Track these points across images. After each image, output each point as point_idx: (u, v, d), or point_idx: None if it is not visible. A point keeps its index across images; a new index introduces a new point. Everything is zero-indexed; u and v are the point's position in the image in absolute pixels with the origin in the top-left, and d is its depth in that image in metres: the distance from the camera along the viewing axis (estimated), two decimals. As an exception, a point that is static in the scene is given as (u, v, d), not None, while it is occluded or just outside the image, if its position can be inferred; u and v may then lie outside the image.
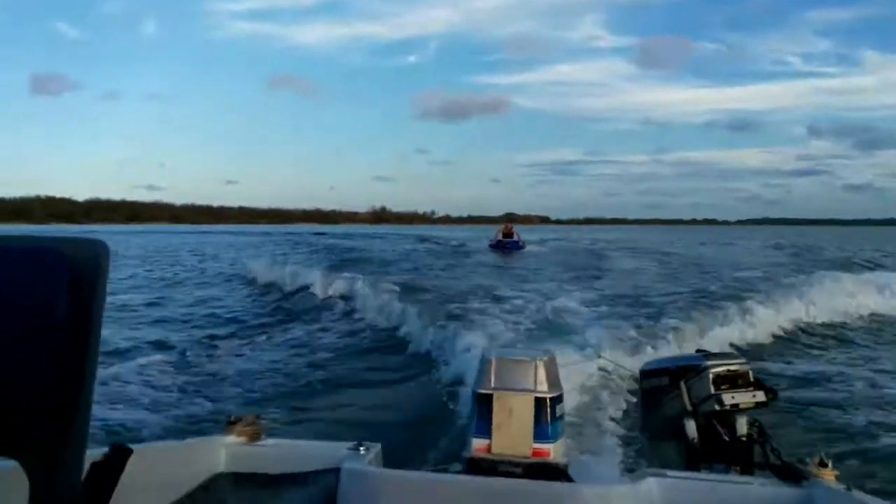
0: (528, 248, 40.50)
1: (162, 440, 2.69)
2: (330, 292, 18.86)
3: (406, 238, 58.41)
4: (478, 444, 3.15)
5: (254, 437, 2.92)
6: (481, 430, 3.15)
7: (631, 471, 3.89)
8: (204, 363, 9.87)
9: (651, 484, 2.84)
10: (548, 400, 3.17)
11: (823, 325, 14.32)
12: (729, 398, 3.81)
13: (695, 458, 3.80)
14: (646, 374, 4.42)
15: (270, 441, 2.96)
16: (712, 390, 3.85)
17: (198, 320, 15.34)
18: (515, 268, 28.04)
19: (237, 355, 10.57)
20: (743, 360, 3.95)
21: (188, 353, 10.53)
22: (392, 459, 4.29)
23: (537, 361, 3.25)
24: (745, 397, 3.83)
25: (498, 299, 15.31)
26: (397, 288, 16.46)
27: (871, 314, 16.03)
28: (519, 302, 14.72)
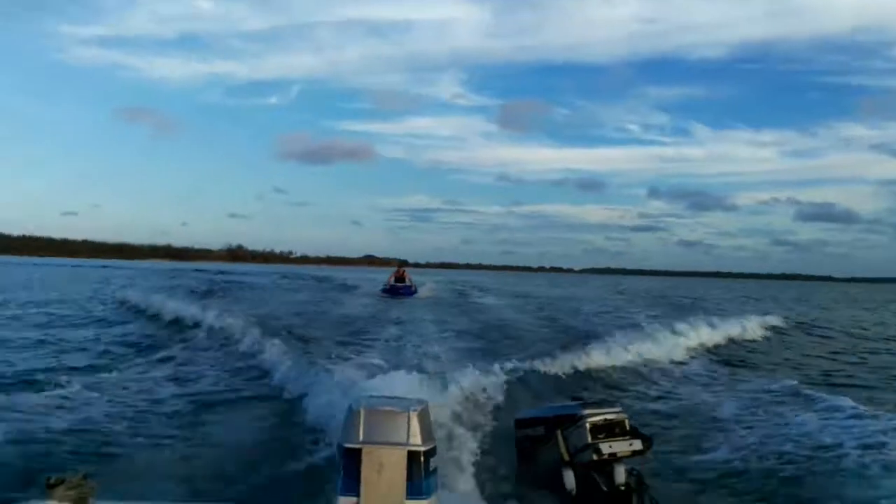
0: (421, 291, 37.00)
1: None
2: (193, 326, 17.46)
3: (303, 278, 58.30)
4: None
5: (79, 502, 2.50)
6: (348, 488, 2.86)
7: None
8: (24, 406, 8.06)
9: None
10: (422, 454, 2.93)
11: (673, 363, 15.15)
12: (607, 447, 3.76)
13: None
14: (521, 422, 4.31)
15: None
16: (589, 440, 3.78)
17: (32, 352, 13.24)
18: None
19: (63, 398, 8.70)
20: (619, 409, 3.94)
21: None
22: None
23: (410, 412, 2.99)
24: (622, 446, 3.79)
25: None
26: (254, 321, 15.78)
27: (710, 347, 17.47)
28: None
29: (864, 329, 27.00)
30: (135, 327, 18.98)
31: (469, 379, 8.20)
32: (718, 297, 47.88)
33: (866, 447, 7.16)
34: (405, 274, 37.87)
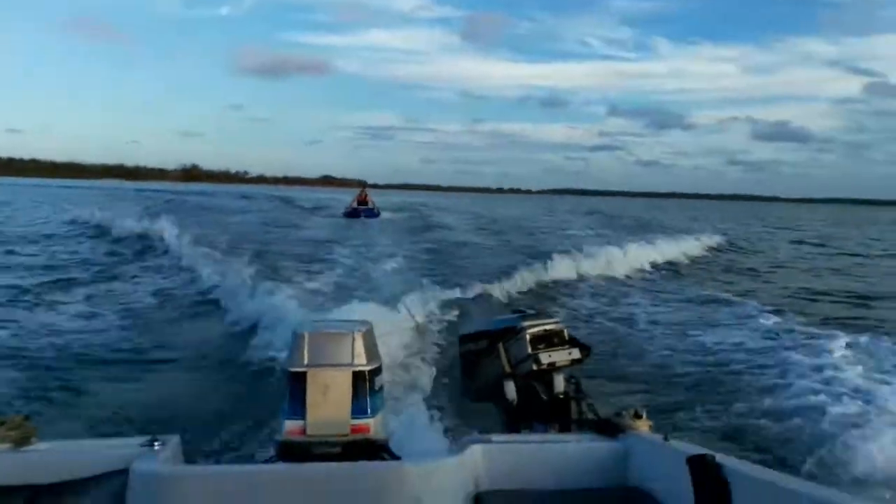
0: (383, 215, 36.71)
1: None
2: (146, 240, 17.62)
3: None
4: (291, 427, 2.87)
5: (20, 442, 2.43)
6: (294, 411, 2.87)
7: (455, 440, 3.83)
8: None
9: (475, 452, 2.73)
10: (366, 373, 2.94)
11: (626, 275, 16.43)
12: (546, 357, 3.84)
13: (515, 420, 3.79)
14: (464, 337, 4.37)
15: (42, 445, 2.48)
16: (529, 350, 3.84)
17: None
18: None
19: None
20: (557, 319, 4.01)
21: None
22: (194, 452, 3.84)
23: (354, 333, 2.99)
24: (561, 356, 3.88)
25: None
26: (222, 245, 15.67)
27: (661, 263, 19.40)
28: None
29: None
30: (83, 248, 18.63)
31: (419, 302, 8.28)
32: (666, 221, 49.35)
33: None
34: (367, 197, 37.64)
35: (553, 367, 3.80)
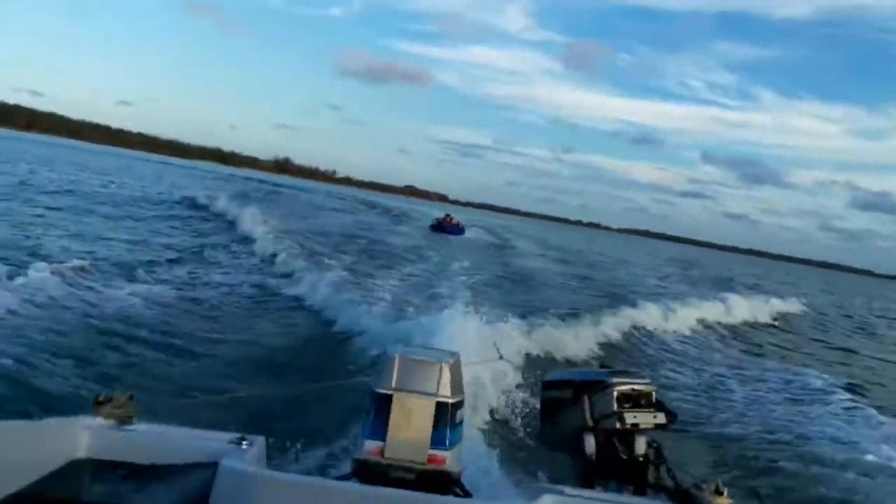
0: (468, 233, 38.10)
1: (11, 419, 2.29)
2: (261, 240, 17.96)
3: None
4: (370, 447, 2.90)
5: (123, 421, 2.53)
6: (376, 432, 2.90)
7: (526, 483, 3.80)
8: (70, 321, 7.65)
9: (547, 502, 2.71)
10: (450, 405, 2.95)
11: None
12: (631, 417, 3.75)
13: (590, 474, 3.72)
14: (549, 384, 4.32)
15: (142, 426, 2.57)
16: (615, 408, 3.76)
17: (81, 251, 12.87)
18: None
19: (115, 311, 8.45)
20: (647, 381, 3.91)
21: (51, 300, 8.10)
22: (277, 454, 3.95)
23: (442, 363, 3.02)
24: (646, 418, 3.79)
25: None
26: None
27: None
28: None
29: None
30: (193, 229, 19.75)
31: (505, 338, 8.03)
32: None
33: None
34: (452, 219, 39.02)
35: (636, 429, 3.71)
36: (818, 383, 11.27)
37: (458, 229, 37.45)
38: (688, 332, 15.28)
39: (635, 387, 3.87)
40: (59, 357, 6.31)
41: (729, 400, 9.72)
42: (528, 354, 8.41)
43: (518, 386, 6.94)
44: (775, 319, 22.15)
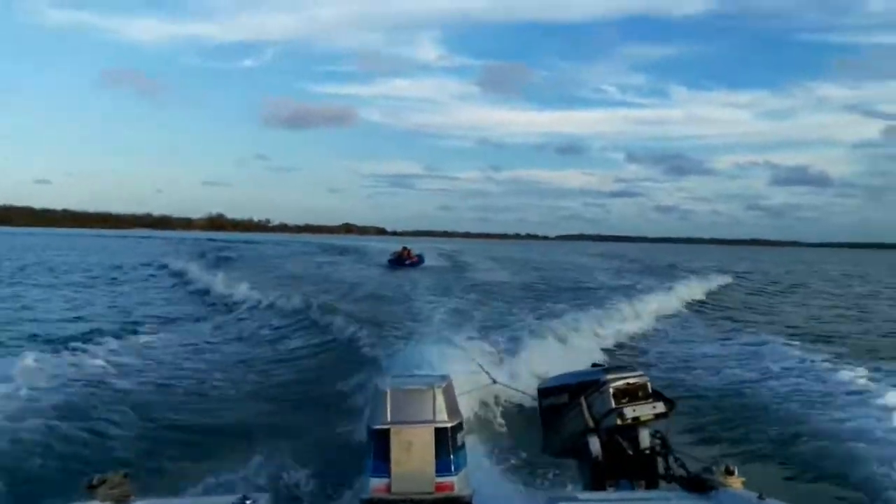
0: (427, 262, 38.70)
1: None
2: (227, 295, 18.33)
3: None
4: (375, 485, 2.88)
5: (120, 501, 2.49)
6: (379, 469, 2.88)
7: (539, 494, 3.75)
8: (47, 401, 7.15)
9: None
10: (449, 430, 2.96)
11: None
12: (630, 411, 3.73)
13: (600, 476, 3.70)
14: (544, 392, 4.29)
15: None
16: (613, 404, 3.71)
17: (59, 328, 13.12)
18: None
19: (91, 384, 8.19)
20: (640, 373, 3.92)
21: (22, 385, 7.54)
22: None
23: (435, 389, 3.02)
24: (645, 410, 3.78)
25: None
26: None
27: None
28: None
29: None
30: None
31: (487, 353, 8.36)
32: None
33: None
34: (409, 253, 39.21)
35: (638, 422, 3.71)
36: (787, 350, 11.70)
37: (419, 262, 37.72)
38: (655, 319, 15.97)
39: (630, 380, 3.86)
40: (39, 441, 5.96)
41: (715, 375, 9.96)
42: (516, 368, 8.34)
43: (512, 400, 6.86)
44: (715, 294, 24.60)
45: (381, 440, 2.90)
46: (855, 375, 8.93)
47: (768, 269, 51.12)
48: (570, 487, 3.98)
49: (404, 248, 39.57)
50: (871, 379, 8.66)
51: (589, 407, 3.84)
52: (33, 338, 11.85)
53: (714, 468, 2.89)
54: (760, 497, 2.53)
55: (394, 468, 2.86)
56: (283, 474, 5.19)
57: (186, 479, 4.83)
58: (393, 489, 2.86)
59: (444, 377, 3.36)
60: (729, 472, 2.84)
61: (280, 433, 6.37)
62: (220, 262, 32.12)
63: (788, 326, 16.50)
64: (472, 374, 6.22)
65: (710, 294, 24.38)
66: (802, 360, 10.57)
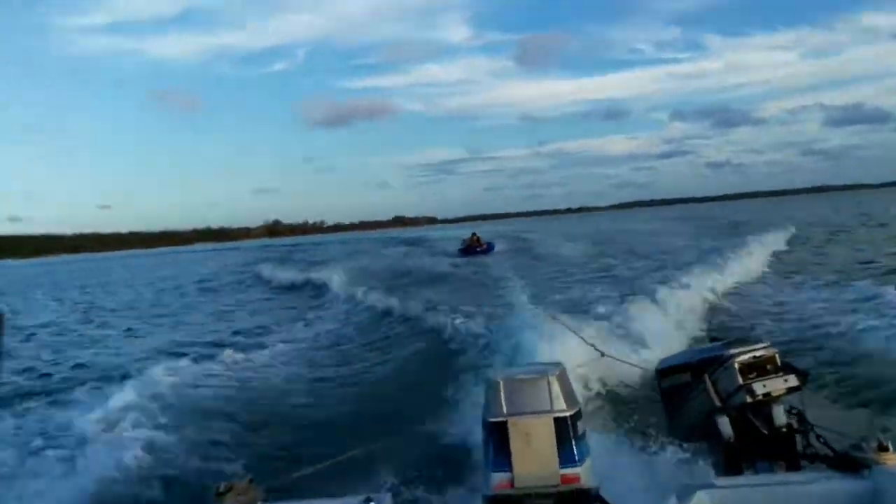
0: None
1: None
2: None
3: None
4: (498, 480, 2.78)
5: None
6: (500, 464, 2.79)
7: (675, 487, 3.57)
8: (171, 418, 7.54)
9: (702, 498, 2.52)
10: (569, 418, 2.84)
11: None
12: (760, 387, 3.46)
13: (734, 458, 3.48)
14: (664, 372, 4.07)
15: None
16: (741, 381, 3.45)
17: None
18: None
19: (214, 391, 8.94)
20: (766, 344, 3.63)
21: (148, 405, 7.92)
22: None
23: (549, 377, 2.91)
24: (776, 384, 3.49)
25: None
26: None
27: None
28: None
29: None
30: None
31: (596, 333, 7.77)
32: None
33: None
34: (479, 240, 39.34)
35: (769, 398, 3.47)
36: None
37: (489, 248, 37.95)
38: (749, 280, 15.39)
39: (756, 353, 3.60)
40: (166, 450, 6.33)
41: (841, 337, 8.97)
42: (621, 341, 8.10)
43: (627, 377, 6.47)
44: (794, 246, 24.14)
45: (499, 433, 2.81)
46: None
47: (833, 215, 48.99)
48: (703, 472, 3.77)
49: (474, 235, 39.70)
50: None
51: (714, 385, 3.61)
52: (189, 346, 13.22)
53: (864, 444, 2.67)
54: None
55: (515, 462, 2.76)
56: (403, 473, 5.14)
57: (309, 481, 4.89)
58: (516, 483, 2.76)
59: (557, 364, 3.27)
60: (883, 448, 2.61)
61: (394, 431, 6.31)
62: (311, 265, 33.72)
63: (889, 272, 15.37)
64: (578, 351, 6.01)
65: (790, 246, 24.13)
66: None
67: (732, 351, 3.58)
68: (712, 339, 4.12)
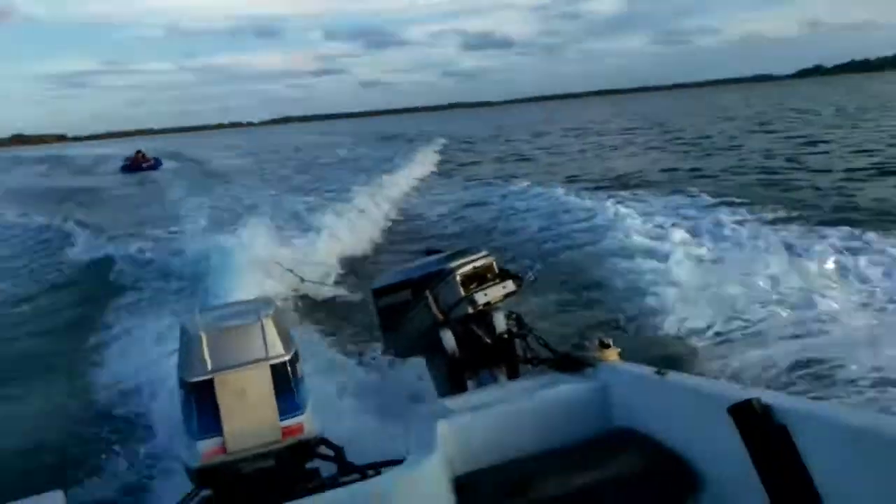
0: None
1: None
2: None
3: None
4: (206, 448, 2.32)
5: None
6: (207, 428, 2.33)
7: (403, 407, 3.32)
8: None
9: (442, 429, 2.33)
10: (287, 363, 2.45)
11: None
12: (482, 296, 3.39)
13: (459, 371, 3.40)
14: (380, 291, 3.77)
15: None
16: (463, 293, 3.37)
17: None
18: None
19: None
20: (485, 252, 3.60)
21: None
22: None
23: (262, 319, 2.46)
24: (495, 291, 3.46)
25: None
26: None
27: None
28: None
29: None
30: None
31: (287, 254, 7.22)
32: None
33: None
34: (145, 156, 37.92)
35: (490, 307, 3.42)
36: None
37: (156, 164, 36.59)
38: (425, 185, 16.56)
39: (476, 263, 3.50)
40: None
41: (544, 242, 9.22)
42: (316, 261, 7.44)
43: (340, 300, 6.07)
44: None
45: (203, 394, 2.34)
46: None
47: (478, 130, 54.81)
48: (427, 389, 3.60)
49: (138, 152, 38.06)
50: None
51: (436, 299, 3.45)
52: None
53: (586, 343, 2.68)
54: (659, 372, 2.32)
55: (226, 423, 2.33)
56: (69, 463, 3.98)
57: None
58: (229, 447, 2.34)
59: (267, 302, 2.74)
60: (604, 345, 2.63)
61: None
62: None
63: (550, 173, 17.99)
64: (277, 279, 5.32)
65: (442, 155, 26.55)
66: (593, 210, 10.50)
67: (453, 264, 3.42)
68: (428, 252, 3.96)
